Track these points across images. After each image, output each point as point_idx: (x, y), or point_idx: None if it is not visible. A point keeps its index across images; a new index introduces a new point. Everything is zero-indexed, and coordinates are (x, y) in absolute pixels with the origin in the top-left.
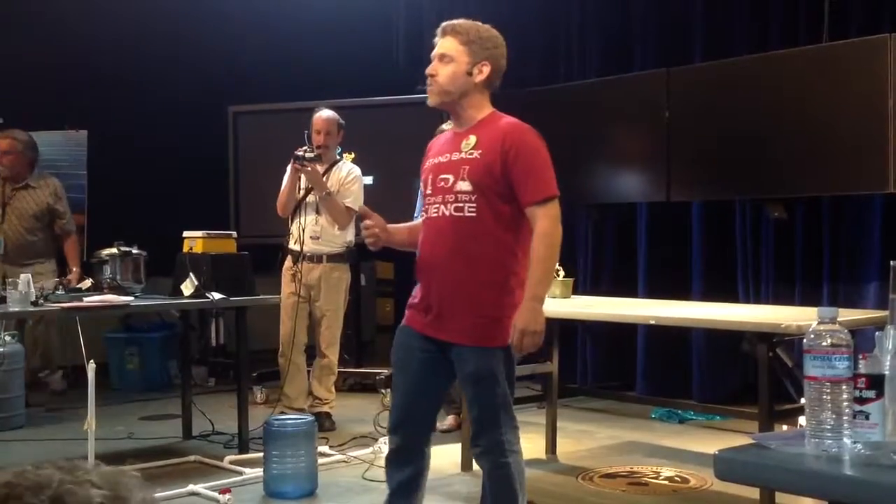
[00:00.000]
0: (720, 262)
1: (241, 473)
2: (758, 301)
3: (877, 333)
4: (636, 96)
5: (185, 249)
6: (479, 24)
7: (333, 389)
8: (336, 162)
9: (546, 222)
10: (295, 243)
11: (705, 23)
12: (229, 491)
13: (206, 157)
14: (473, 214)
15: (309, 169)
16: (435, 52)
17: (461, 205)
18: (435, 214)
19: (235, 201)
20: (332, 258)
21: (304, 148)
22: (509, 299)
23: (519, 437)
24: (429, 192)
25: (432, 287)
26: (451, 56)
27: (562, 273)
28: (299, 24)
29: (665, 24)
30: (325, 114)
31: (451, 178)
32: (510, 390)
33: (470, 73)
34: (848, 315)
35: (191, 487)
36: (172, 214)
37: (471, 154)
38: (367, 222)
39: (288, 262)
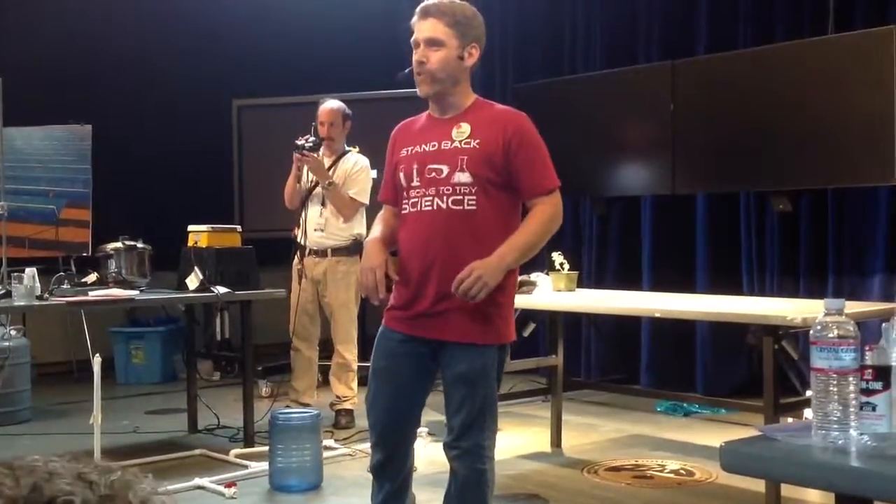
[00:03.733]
0: (725, 255)
1: (246, 467)
2: (762, 293)
3: (883, 325)
4: (641, 89)
5: (190, 243)
6: (459, 2)
7: (354, 386)
8: (344, 153)
9: (549, 206)
10: (302, 236)
11: (709, 15)
12: (235, 484)
13: (211, 150)
14: (473, 208)
15: (310, 158)
16: (419, 37)
17: (460, 197)
18: (428, 208)
19: (240, 195)
20: (337, 251)
21: (306, 136)
22: (504, 296)
23: (495, 443)
24: (415, 183)
25: (425, 284)
26: (441, 40)
27: (566, 266)
28: (304, 17)
29: (669, 17)
30: (329, 105)
31: (445, 168)
32: (497, 391)
33: (461, 58)
34: (853, 307)
35: (196, 481)
36: (177, 208)
37: (467, 143)
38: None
39: (297, 256)
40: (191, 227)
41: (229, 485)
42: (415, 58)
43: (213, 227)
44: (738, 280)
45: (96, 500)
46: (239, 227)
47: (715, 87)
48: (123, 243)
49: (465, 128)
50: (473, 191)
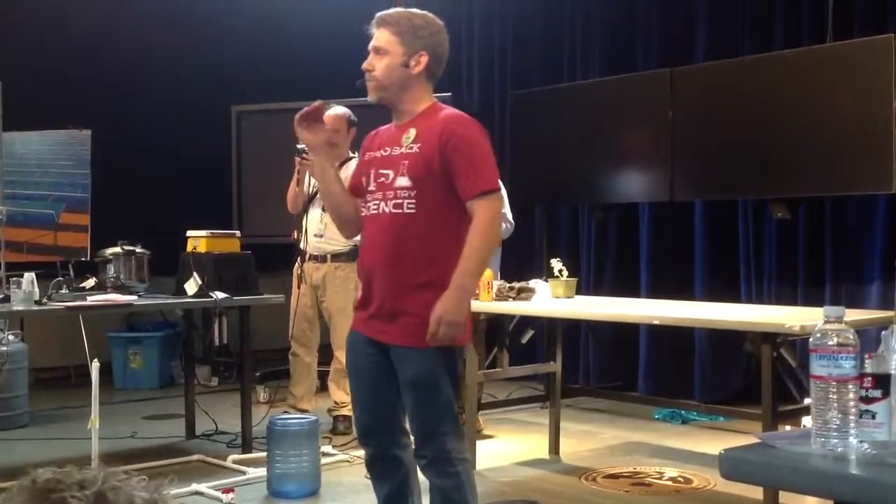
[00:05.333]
0: (723, 262)
1: (244, 473)
2: (760, 301)
3: (883, 332)
4: (639, 96)
5: (189, 249)
6: (415, 11)
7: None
8: (348, 159)
9: (483, 215)
10: (303, 241)
11: (708, 22)
12: (232, 490)
13: (210, 156)
14: (413, 211)
15: (310, 162)
16: (370, 46)
17: (400, 201)
18: (375, 212)
19: (239, 201)
20: (337, 257)
21: None
22: None
23: (465, 445)
24: (371, 188)
25: (372, 288)
26: (386, 49)
27: (565, 273)
28: (303, 23)
29: (668, 24)
30: (334, 111)
31: (391, 173)
32: (454, 395)
33: (407, 65)
34: (853, 315)
35: (194, 487)
36: (176, 214)
37: (410, 148)
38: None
39: (298, 261)
40: (189, 233)
41: (227, 490)
42: (363, 66)
43: (212, 232)
44: (737, 287)
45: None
46: (238, 233)
47: (714, 94)
48: (122, 248)
49: (412, 133)
50: (413, 194)
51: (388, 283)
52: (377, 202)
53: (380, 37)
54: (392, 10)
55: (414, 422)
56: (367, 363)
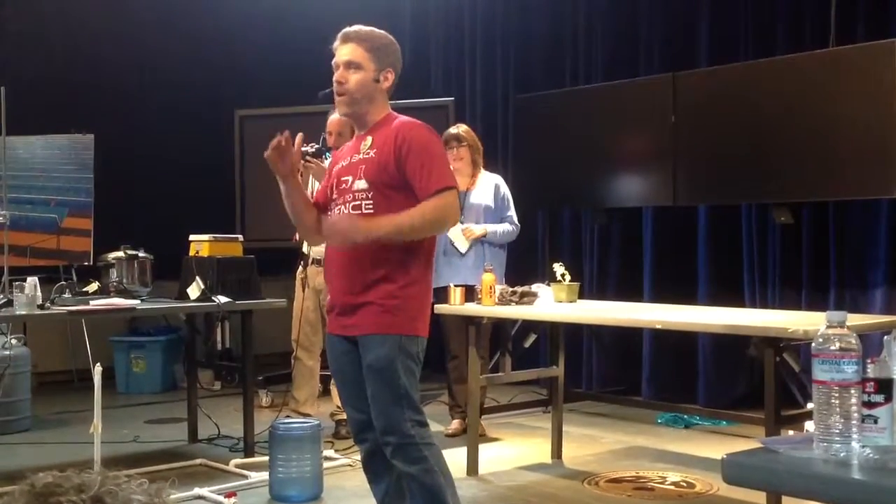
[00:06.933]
0: (726, 267)
1: (246, 477)
2: (764, 306)
3: (885, 337)
4: (642, 101)
5: (192, 253)
6: (377, 30)
7: None
8: None
9: (438, 201)
10: (307, 245)
11: (711, 27)
12: (235, 494)
13: (213, 160)
14: (371, 211)
15: (312, 164)
16: (339, 60)
17: (359, 202)
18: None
19: (242, 205)
20: None
21: (311, 143)
22: (407, 290)
23: (430, 432)
24: (334, 196)
25: (336, 288)
26: (359, 63)
27: (568, 277)
28: (306, 27)
29: (671, 29)
30: (337, 115)
31: (350, 178)
32: (411, 382)
33: (377, 80)
34: (855, 320)
35: (196, 491)
36: (179, 218)
37: (367, 154)
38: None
39: (301, 266)
40: (192, 237)
41: (229, 495)
42: (334, 78)
43: (215, 236)
44: (740, 292)
45: None
46: (240, 237)
47: (716, 98)
48: (125, 252)
49: (369, 140)
50: (370, 195)
51: (349, 281)
52: (339, 206)
53: (353, 52)
54: (360, 28)
55: (375, 407)
56: (346, 362)
